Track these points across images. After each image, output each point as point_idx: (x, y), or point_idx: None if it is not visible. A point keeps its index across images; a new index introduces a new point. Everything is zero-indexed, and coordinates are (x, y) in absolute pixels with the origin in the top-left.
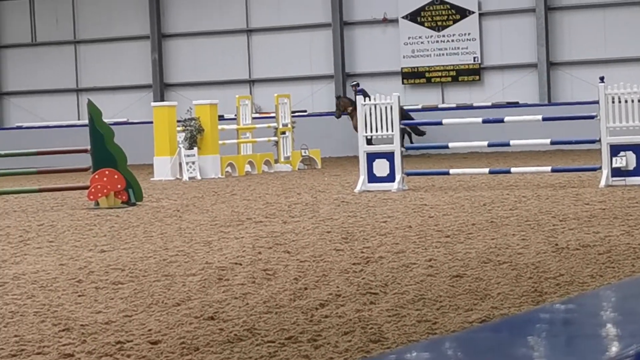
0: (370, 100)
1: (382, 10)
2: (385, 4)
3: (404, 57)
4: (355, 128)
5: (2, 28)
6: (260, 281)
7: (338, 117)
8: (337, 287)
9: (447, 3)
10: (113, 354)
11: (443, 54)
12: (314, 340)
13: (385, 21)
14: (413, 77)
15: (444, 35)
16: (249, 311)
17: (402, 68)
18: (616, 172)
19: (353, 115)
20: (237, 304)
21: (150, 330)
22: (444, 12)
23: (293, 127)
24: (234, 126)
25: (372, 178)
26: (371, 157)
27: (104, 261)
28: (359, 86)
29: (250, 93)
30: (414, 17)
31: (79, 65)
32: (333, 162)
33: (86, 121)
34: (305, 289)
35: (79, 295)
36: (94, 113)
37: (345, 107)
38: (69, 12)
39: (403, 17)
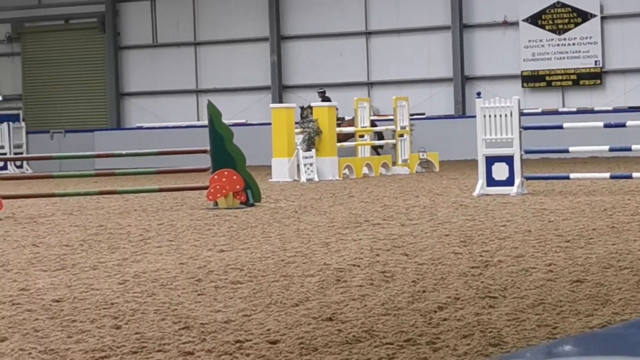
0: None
1: (502, 13)
2: (506, 7)
3: (524, 60)
4: None
5: (124, 29)
6: (378, 283)
7: None
8: (456, 290)
9: (569, 6)
10: (232, 353)
11: (564, 58)
12: (432, 342)
13: (506, 24)
14: (533, 80)
15: (564, 39)
16: (367, 313)
17: (522, 71)
18: None
19: None
20: (355, 306)
21: (269, 330)
22: (565, 15)
23: (411, 130)
24: (352, 128)
25: (490, 182)
26: (490, 161)
27: (223, 261)
28: (325, 93)
29: (369, 95)
30: (535, 20)
31: (198, 67)
32: (451, 165)
33: (206, 122)
34: (424, 291)
35: (199, 294)
36: (214, 114)
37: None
38: (189, 14)
39: (523, 20)
